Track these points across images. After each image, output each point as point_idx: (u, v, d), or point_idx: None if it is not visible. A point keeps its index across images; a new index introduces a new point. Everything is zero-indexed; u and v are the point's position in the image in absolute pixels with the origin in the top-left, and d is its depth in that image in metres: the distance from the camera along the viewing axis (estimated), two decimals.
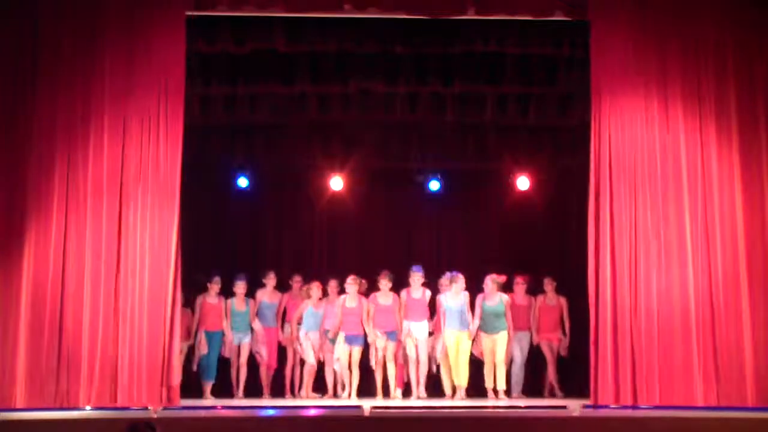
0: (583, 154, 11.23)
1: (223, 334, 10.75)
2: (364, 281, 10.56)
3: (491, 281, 10.43)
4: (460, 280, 10.40)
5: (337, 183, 11.68)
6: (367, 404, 8.30)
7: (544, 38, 9.75)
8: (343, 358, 10.35)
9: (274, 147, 11.36)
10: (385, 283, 10.44)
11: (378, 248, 11.77)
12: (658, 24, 9.39)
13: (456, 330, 10.24)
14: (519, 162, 11.54)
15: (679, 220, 9.18)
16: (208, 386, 10.54)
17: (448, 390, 10.35)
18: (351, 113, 10.69)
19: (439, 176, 11.85)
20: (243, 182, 11.84)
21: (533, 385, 10.81)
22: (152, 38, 9.25)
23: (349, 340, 10.35)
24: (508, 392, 10.28)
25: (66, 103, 9.16)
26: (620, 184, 9.23)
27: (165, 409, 8.16)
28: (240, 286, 10.85)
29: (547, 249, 11.59)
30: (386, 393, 10.31)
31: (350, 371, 10.33)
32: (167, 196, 9.11)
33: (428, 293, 10.44)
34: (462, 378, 10.12)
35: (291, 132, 11.25)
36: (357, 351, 10.39)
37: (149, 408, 8.24)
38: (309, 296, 10.68)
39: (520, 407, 8.97)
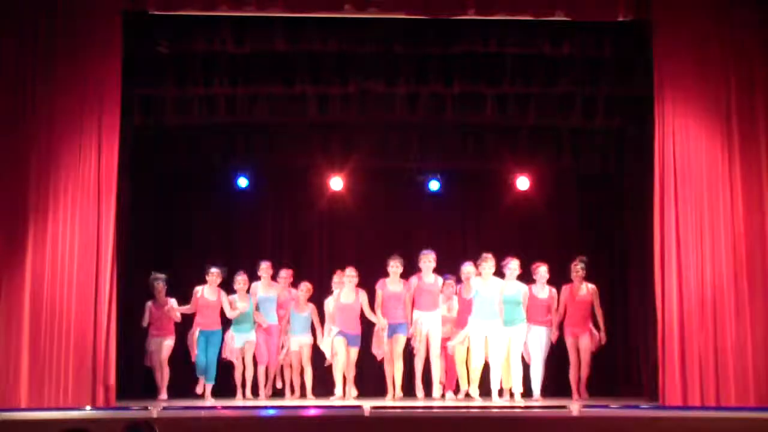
0: (584, 154, 11.35)
1: (222, 333, 10.36)
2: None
3: (519, 267, 9.85)
4: (490, 260, 9.73)
5: (337, 183, 11.69)
6: (367, 404, 8.29)
7: (544, 38, 9.75)
8: (341, 354, 9.90)
9: (274, 147, 11.36)
10: (395, 267, 10.00)
11: (377, 248, 11.75)
12: (721, 26, 9.30)
13: (486, 321, 9.59)
14: (519, 162, 11.54)
15: (759, 220, 9.13)
16: (207, 387, 10.27)
17: (475, 393, 9.68)
18: (351, 113, 10.69)
19: (439, 176, 11.87)
20: (243, 182, 11.85)
21: (558, 386, 10.45)
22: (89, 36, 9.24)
23: (347, 339, 10.00)
24: (525, 393, 9.85)
25: (62, 104, 9.23)
26: (685, 185, 9.20)
27: (165, 409, 8.15)
28: (240, 281, 10.44)
29: (548, 249, 11.58)
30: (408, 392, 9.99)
31: (345, 373, 9.98)
32: (101, 198, 9.12)
33: (440, 280, 10.08)
34: (504, 379, 9.64)
35: (291, 132, 11.25)
36: (354, 352, 10.00)
37: (149, 408, 8.23)
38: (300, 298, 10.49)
39: (520, 407, 8.95)
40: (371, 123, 11.03)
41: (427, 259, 10.03)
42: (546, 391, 10.21)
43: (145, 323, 10.54)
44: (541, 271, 10.23)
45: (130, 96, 10.38)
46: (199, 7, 9.28)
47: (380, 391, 10.30)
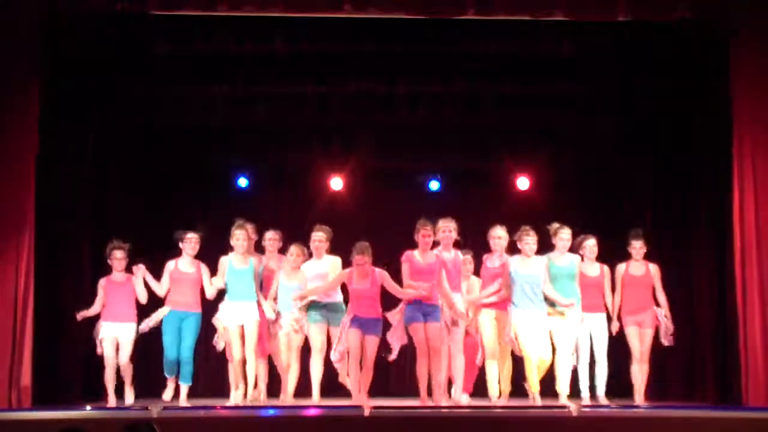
0: (584, 154, 11.37)
1: (200, 317, 8.90)
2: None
3: (571, 237, 8.66)
4: (533, 234, 8.60)
5: (336, 183, 11.72)
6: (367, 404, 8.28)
7: (544, 38, 9.75)
8: (353, 345, 8.50)
9: (274, 147, 11.39)
10: (428, 237, 8.57)
11: (377, 249, 11.72)
12: None
13: (528, 309, 8.57)
14: (519, 162, 11.56)
15: None
16: (183, 389, 8.96)
17: (494, 393, 8.92)
18: (351, 114, 10.70)
19: (439, 176, 11.89)
20: (243, 182, 11.86)
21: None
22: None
23: (360, 324, 8.56)
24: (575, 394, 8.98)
25: None
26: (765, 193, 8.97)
27: (165, 409, 8.15)
28: (240, 236, 8.87)
29: (549, 249, 11.55)
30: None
31: (359, 368, 8.60)
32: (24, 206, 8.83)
33: (461, 255, 9.00)
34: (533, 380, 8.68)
35: (291, 132, 11.27)
36: (372, 342, 8.52)
37: (149, 408, 8.22)
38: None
39: (520, 407, 8.93)
40: (371, 123, 11.04)
41: (448, 229, 8.79)
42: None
43: (96, 308, 8.98)
44: (590, 244, 8.96)
45: (129, 96, 10.43)
46: (199, 7, 9.28)
47: (381, 390, 10.20)
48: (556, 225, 9.01)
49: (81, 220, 10.06)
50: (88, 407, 8.55)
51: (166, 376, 9.03)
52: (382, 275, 8.64)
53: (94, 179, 10.31)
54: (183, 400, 8.99)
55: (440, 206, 12.02)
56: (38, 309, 8.98)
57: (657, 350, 9.31)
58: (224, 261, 9.05)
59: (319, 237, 9.16)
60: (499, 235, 9.01)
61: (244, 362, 8.97)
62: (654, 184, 11.06)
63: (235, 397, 9.13)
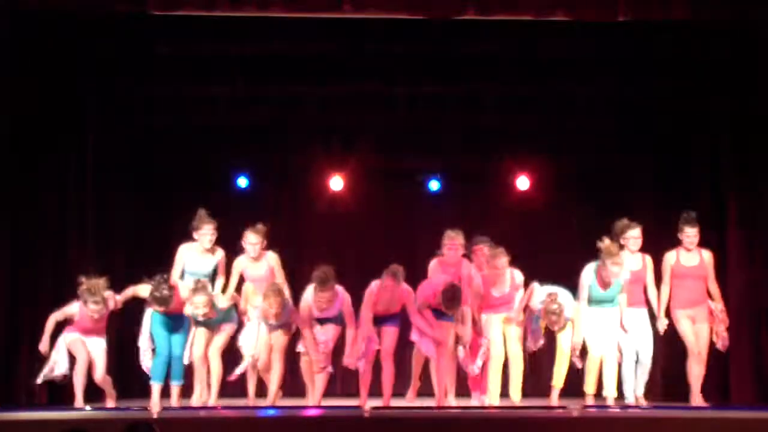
0: (584, 154, 11.37)
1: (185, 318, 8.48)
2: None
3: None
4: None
5: (337, 183, 11.72)
6: (367, 404, 8.28)
7: (544, 38, 9.75)
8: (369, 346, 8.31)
9: (274, 147, 11.40)
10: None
11: (377, 249, 11.76)
12: None
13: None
14: (519, 162, 11.57)
15: None
16: (174, 389, 8.71)
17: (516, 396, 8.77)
18: (351, 114, 10.71)
19: (439, 176, 11.90)
20: (243, 182, 11.87)
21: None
22: None
23: (376, 320, 8.40)
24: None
25: None
26: None
27: (165, 409, 8.14)
28: (209, 229, 8.43)
29: (549, 249, 11.57)
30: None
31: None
32: None
33: (465, 262, 8.79)
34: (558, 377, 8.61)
35: (291, 132, 11.28)
36: (390, 333, 8.37)
37: (149, 408, 8.22)
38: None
39: (520, 407, 8.93)
40: (371, 123, 11.04)
41: (454, 246, 8.56)
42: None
43: (54, 321, 8.30)
44: (632, 233, 8.25)
45: (129, 96, 10.43)
46: (199, 7, 9.27)
47: (380, 390, 10.16)
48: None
49: (81, 221, 10.05)
50: (88, 407, 8.54)
51: (152, 382, 8.60)
52: (410, 296, 8.33)
53: (93, 180, 10.29)
54: (175, 402, 8.67)
55: (440, 206, 12.09)
56: (36, 310, 8.97)
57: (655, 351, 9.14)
58: (184, 253, 8.72)
59: (326, 297, 8.13)
60: (503, 262, 8.55)
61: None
62: (654, 184, 11.06)
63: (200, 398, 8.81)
